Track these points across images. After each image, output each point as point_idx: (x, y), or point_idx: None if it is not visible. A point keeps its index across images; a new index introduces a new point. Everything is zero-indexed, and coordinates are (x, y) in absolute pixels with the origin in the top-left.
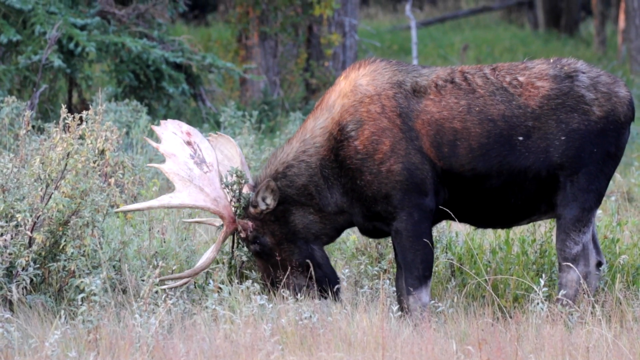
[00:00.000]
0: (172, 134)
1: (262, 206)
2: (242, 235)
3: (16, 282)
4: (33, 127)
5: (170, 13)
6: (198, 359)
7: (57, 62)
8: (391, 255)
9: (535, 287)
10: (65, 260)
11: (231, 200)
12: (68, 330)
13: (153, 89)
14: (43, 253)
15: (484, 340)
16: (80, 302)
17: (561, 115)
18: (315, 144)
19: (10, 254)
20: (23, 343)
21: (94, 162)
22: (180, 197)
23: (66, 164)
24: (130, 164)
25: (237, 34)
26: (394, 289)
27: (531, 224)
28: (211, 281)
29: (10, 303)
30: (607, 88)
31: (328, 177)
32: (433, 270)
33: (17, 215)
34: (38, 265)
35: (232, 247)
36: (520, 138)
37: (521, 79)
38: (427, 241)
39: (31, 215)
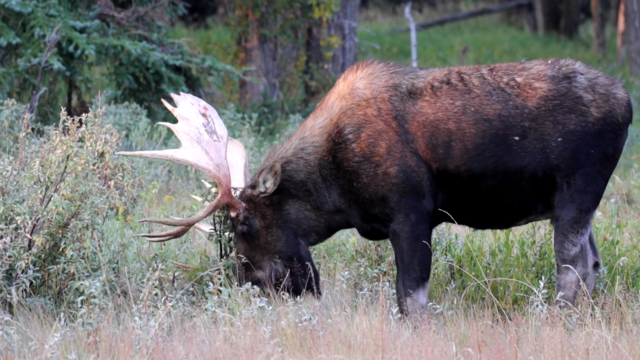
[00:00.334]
0: (189, 104)
1: (261, 188)
2: (232, 214)
3: (16, 284)
4: (33, 129)
5: (170, 16)
6: None
7: (57, 64)
8: (391, 258)
9: (534, 289)
10: (64, 262)
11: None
12: (68, 333)
13: (152, 91)
14: (43, 256)
15: (483, 342)
16: (79, 305)
17: (558, 117)
18: (314, 144)
19: (9, 256)
20: (23, 345)
21: (94, 165)
22: (185, 153)
23: (66, 167)
24: (129, 166)
25: (236, 37)
26: (394, 291)
27: (531, 226)
28: (211, 284)
29: (10, 305)
30: (605, 89)
31: (326, 177)
32: (432, 272)
33: (17, 218)
34: (38, 268)
35: (218, 224)
36: (516, 138)
37: (519, 79)
38: (425, 243)
39: (31, 218)
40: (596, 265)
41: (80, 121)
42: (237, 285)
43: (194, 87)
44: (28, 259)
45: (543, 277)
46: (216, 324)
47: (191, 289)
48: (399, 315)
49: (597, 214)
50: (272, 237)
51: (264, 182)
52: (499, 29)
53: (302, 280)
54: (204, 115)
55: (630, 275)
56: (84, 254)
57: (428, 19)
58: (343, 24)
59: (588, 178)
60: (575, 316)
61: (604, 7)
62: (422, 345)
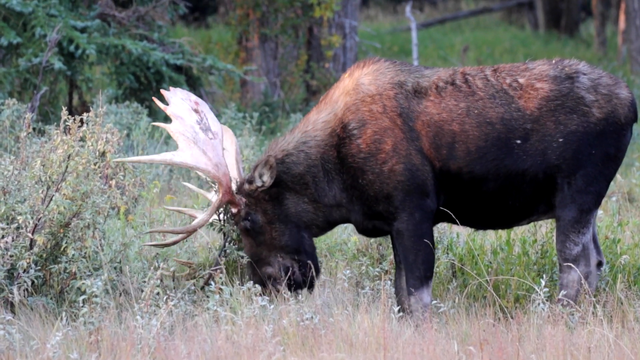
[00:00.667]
0: (180, 100)
1: (258, 182)
2: (234, 210)
3: (17, 284)
4: (34, 129)
5: (171, 15)
6: None
7: (58, 64)
8: (392, 256)
9: (536, 288)
10: (66, 262)
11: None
12: (69, 332)
13: (153, 91)
14: (44, 255)
15: (485, 340)
16: (81, 304)
17: (560, 117)
18: (316, 137)
19: (11, 256)
20: (24, 345)
21: (95, 164)
22: (183, 156)
23: (67, 166)
24: (131, 165)
25: (237, 36)
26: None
27: (532, 224)
28: (212, 282)
29: (12, 305)
30: (608, 90)
31: (329, 171)
32: (434, 270)
33: (18, 218)
34: (39, 267)
35: (223, 220)
36: (518, 141)
37: (521, 80)
38: (429, 242)
39: (32, 218)
40: (599, 264)
41: (81, 121)
42: (247, 283)
43: (194, 86)
44: (29, 259)
45: (544, 276)
46: (218, 322)
47: (192, 287)
48: (401, 313)
49: (599, 212)
50: (276, 232)
51: (260, 176)
52: (499, 28)
53: (308, 273)
54: (196, 111)
55: (632, 274)
56: (85, 253)
57: (429, 18)
58: (344, 23)
59: (589, 178)
60: (577, 314)
61: (604, 5)
62: (424, 344)
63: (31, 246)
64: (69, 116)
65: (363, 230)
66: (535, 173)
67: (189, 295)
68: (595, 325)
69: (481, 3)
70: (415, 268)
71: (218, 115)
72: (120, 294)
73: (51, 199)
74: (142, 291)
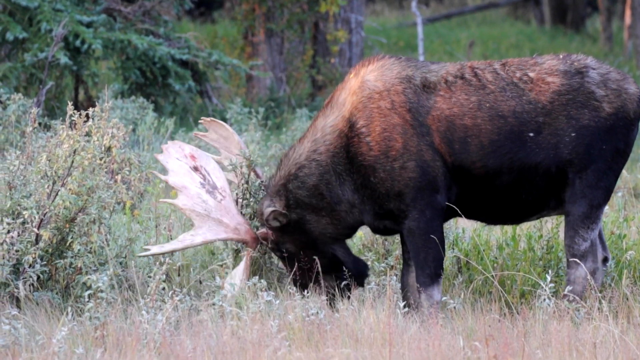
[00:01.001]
0: (177, 161)
1: (276, 224)
2: (267, 244)
3: (23, 279)
4: (39, 124)
5: (176, 10)
6: (205, 356)
7: (64, 59)
8: (398, 252)
9: (542, 283)
10: (72, 257)
11: (239, 184)
12: (75, 327)
13: (159, 85)
14: (50, 250)
15: (491, 336)
16: (87, 299)
17: (571, 111)
18: (326, 142)
19: (17, 251)
20: (30, 340)
21: (101, 159)
22: (202, 234)
23: (73, 161)
24: (136, 160)
25: (243, 31)
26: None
27: (538, 220)
28: (218, 278)
29: (18, 300)
30: (617, 85)
31: (340, 173)
32: None
33: (24, 212)
34: (45, 262)
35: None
36: (531, 134)
37: (531, 74)
38: (439, 239)
39: (38, 212)
40: (605, 259)
41: (87, 115)
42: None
43: (200, 81)
44: (35, 254)
45: (550, 271)
46: (223, 318)
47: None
48: (406, 309)
49: (605, 207)
50: (309, 257)
51: (274, 219)
52: (505, 23)
53: (352, 281)
54: (195, 169)
55: (638, 269)
56: (91, 248)
57: (435, 13)
58: (350, 18)
59: (600, 173)
60: (582, 310)
61: (610, 1)
62: (430, 339)
63: (37, 241)
64: (75, 111)
65: (375, 230)
66: (548, 166)
67: (194, 290)
68: (601, 320)
69: None
70: (426, 266)
71: (224, 111)
72: (126, 289)
73: (57, 194)
74: (148, 286)
